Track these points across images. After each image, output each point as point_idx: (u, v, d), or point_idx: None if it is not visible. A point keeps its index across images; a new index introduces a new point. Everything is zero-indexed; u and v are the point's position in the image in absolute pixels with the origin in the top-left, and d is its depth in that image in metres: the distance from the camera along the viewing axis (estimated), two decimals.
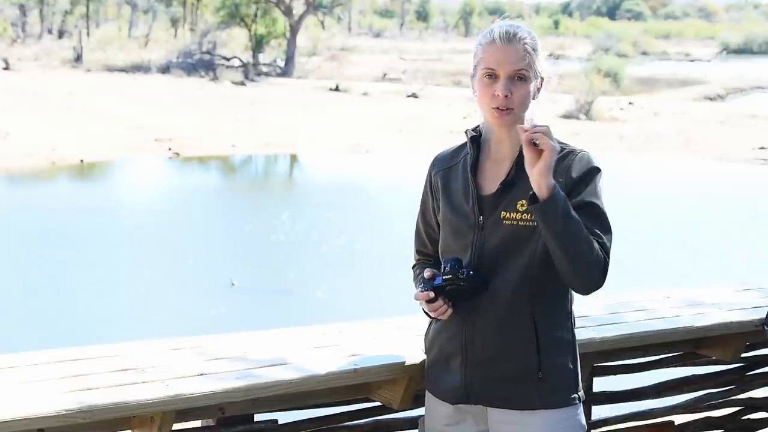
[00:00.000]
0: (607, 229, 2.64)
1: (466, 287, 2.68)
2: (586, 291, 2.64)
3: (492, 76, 2.66)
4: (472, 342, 2.72)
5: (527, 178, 2.64)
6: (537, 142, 2.54)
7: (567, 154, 2.68)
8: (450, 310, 2.72)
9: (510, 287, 2.67)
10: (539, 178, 2.54)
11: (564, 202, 2.55)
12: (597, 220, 2.63)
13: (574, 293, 2.75)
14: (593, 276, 2.59)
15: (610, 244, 2.63)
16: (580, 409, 2.77)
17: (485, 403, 2.73)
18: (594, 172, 2.66)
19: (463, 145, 2.81)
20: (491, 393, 2.71)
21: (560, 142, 2.71)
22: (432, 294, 2.69)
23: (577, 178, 2.64)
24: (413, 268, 2.94)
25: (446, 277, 2.67)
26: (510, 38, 2.65)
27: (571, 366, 2.74)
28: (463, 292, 2.69)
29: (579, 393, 2.75)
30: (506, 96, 2.64)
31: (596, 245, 2.58)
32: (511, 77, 2.65)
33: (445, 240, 2.80)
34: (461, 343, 2.74)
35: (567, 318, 2.74)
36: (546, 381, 2.69)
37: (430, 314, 2.76)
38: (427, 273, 2.73)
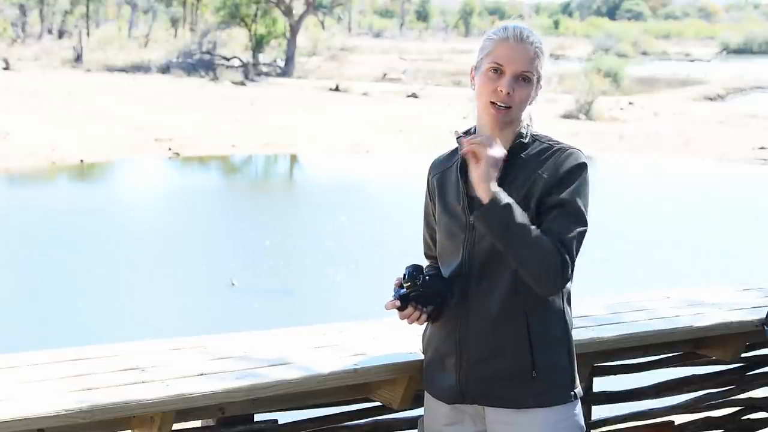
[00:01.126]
0: (574, 223, 2.59)
1: (428, 292, 2.70)
2: (543, 292, 2.61)
3: (498, 71, 2.66)
4: (465, 341, 2.72)
5: (516, 176, 2.67)
6: (476, 152, 2.59)
7: (555, 150, 2.68)
8: (424, 316, 2.74)
9: (502, 286, 2.67)
10: (476, 185, 2.58)
11: (506, 208, 2.54)
12: (565, 217, 2.60)
13: (570, 289, 2.75)
14: (545, 278, 2.56)
15: (578, 239, 2.59)
16: (578, 408, 2.76)
17: (480, 402, 2.73)
18: (579, 169, 2.65)
19: (458, 148, 2.81)
20: (486, 392, 2.71)
21: (550, 140, 2.73)
22: (399, 303, 2.71)
23: (561, 175, 2.64)
24: None
25: (406, 284, 2.70)
26: (522, 38, 2.67)
27: (567, 363, 2.73)
28: (429, 297, 2.71)
29: (575, 390, 2.74)
30: (508, 93, 2.65)
31: (549, 246, 2.54)
32: (517, 77, 2.66)
33: (440, 241, 2.82)
34: (455, 342, 2.74)
35: (561, 314, 2.73)
36: (540, 380, 2.68)
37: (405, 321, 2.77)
38: (395, 281, 2.75)
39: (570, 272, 2.58)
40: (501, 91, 2.65)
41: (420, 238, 2.98)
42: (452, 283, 2.71)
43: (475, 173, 2.58)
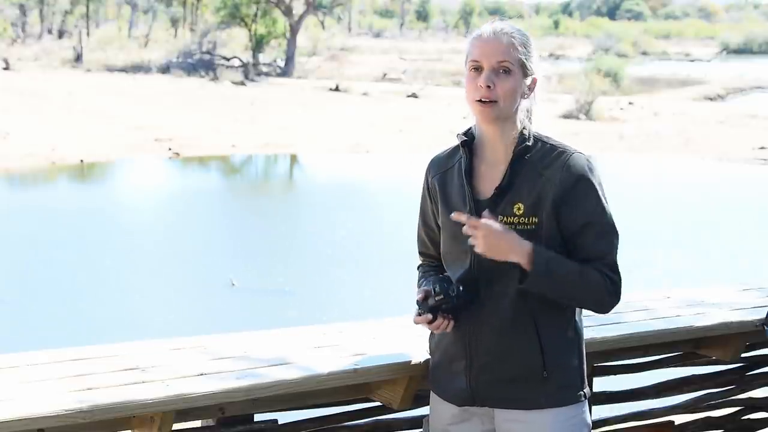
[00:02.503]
0: (608, 237, 2.66)
1: (462, 303, 2.69)
2: (602, 313, 2.73)
3: (477, 69, 2.66)
4: (475, 345, 2.72)
5: (523, 180, 2.66)
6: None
7: (560, 153, 2.68)
8: (452, 323, 2.73)
9: (512, 289, 2.66)
10: (512, 258, 2.59)
11: (544, 263, 2.58)
12: (598, 237, 2.65)
13: None
14: (602, 304, 2.68)
15: (616, 250, 2.67)
16: (586, 407, 2.77)
17: (491, 404, 2.74)
18: (586, 181, 2.65)
19: (458, 147, 2.78)
20: (496, 394, 2.72)
21: (551, 140, 2.72)
22: (431, 316, 2.71)
23: (570, 189, 2.63)
24: (418, 268, 2.95)
25: (438, 297, 2.68)
26: (495, 32, 2.66)
27: (576, 363, 2.74)
28: (459, 307, 2.70)
29: (585, 390, 2.76)
30: (488, 86, 2.63)
31: (597, 277, 2.62)
32: (495, 69, 2.64)
33: (445, 244, 2.79)
34: (464, 346, 2.73)
35: (571, 315, 2.73)
36: (551, 380, 2.68)
37: (433, 331, 2.78)
38: (419, 294, 2.72)
39: (620, 288, 2.67)
40: (481, 86, 2.64)
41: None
42: (478, 289, 2.70)
43: (498, 255, 2.60)
